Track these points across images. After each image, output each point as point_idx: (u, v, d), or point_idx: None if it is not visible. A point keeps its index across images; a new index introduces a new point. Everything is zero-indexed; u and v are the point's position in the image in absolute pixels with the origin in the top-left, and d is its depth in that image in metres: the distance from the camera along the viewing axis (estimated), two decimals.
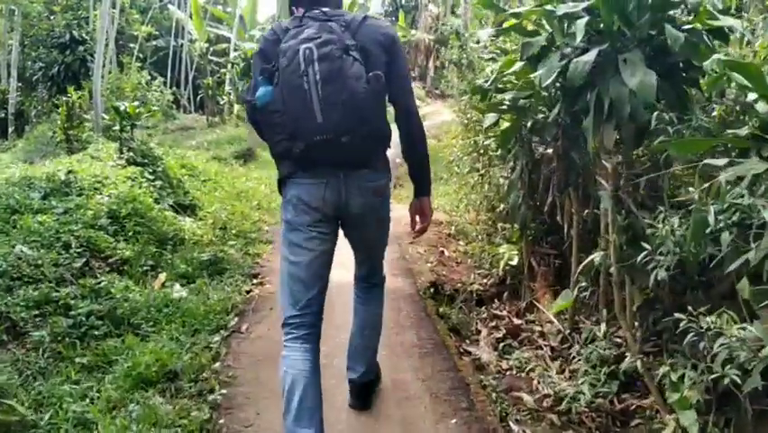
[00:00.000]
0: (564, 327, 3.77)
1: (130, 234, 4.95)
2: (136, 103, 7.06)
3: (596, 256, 3.07)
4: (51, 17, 18.43)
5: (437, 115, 19.13)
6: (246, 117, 3.02)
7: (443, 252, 5.29)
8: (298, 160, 2.21)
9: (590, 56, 3.00)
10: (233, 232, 5.68)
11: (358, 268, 2.76)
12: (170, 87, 18.74)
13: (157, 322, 3.74)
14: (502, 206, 4.74)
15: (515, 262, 4.39)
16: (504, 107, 3.95)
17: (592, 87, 3.15)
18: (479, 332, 4.11)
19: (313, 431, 2.14)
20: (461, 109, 5.57)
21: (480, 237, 5.13)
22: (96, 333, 3.59)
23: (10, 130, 16.40)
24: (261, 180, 8.37)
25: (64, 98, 9.13)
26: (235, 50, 10.71)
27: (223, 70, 12.04)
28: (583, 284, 3.50)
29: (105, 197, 5.37)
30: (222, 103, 12.85)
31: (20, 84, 17.58)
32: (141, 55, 23.94)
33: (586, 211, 3.54)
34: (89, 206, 5.13)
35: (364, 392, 2.84)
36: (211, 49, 22.12)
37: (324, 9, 2.26)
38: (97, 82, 12.32)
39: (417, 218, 2.69)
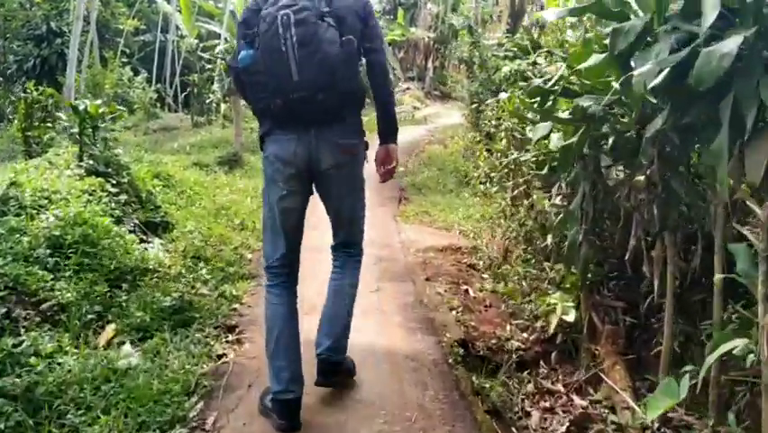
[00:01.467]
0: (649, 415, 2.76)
1: (75, 268, 3.89)
2: (99, 102, 5.98)
3: (738, 348, 2.04)
4: (31, 8, 17.31)
5: (438, 118, 18.11)
6: (233, 83, 3.31)
7: (467, 291, 4.27)
8: (276, 115, 2.42)
9: (732, 44, 1.98)
10: (209, 264, 4.61)
11: (334, 236, 2.78)
12: (156, 84, 17.64)
13: (90, 408, 2.69)
14: (549, 239, 3.72)
15: (571, 317, 3.37)
16: (567, 116, 2.94)
17: (718, 91, 2.15)
18: (527, 414, 3.09)
19: (286, 363, 2.47)
20: (486, 116, 4.57)
21: (516, 278, 4.10)
22: (4, 426, 2.55)
23: None
24: (247, 192, 7.30)
25: (23, 95, 8.03)
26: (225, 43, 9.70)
27: (210, 66, 10.96)
28: (688, 368, 2.48)
29: (51, 217, 4.31)
30: (209, 101, 11.77)
31: None
32: (127, 50, 22.87)
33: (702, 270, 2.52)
34: (28, 230, 4.08)
35: (329, 369, 2.68)
36: (201, 45, 20.96)
37: None
38: (71, 77, 11.23)
39: (383, 165, 2.72)
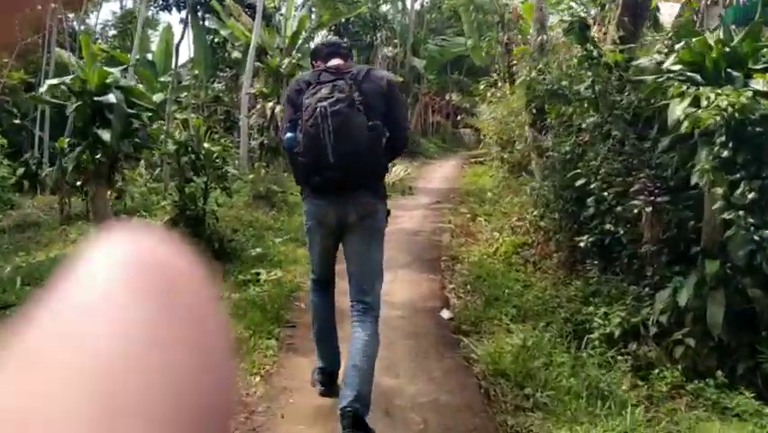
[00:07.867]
0: None
1: None
2: None
3: None
4: None
5: (417, 182, 13.85)
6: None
7: None
8: (314, 187, 2.97)
9: None
10: None
11: (351, 288, 3.11)
12: (32, 154, 12.83)
13: None
14: None
15: None
16: None
17: None
18: None
19: (329, 345, 3.25)
20: None
21: None
22: None
23: None
24: None
25: None
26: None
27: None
28: None
29: None
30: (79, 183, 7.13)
31: None
32: (15, 110, 18.30)
33: None
34: None
35: (356, 423, 2.80)
36: None
37: (338, 64, 3.01)
38: None
39: None
